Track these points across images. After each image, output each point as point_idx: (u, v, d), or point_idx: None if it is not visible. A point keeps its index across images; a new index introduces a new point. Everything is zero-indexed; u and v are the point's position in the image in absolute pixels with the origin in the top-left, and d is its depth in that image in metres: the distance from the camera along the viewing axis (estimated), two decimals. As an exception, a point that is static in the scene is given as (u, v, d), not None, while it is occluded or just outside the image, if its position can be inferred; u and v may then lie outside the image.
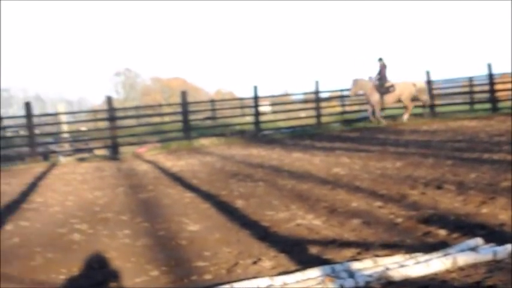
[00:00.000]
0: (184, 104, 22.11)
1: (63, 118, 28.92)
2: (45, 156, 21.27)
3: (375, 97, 21.51)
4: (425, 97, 22.22)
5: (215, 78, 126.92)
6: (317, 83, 24.00)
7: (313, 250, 5.52)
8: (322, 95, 25.94)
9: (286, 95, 39.35)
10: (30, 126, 19.27)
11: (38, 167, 16.17)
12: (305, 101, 29.05)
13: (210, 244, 6.11)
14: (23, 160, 19.28)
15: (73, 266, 5.58)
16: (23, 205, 9.48)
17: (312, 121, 24.92)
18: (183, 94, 22.35)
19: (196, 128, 23.73)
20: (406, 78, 22.35)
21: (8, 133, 28.18)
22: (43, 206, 9.33)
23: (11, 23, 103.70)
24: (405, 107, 21.97)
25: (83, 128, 30.41)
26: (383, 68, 21.66)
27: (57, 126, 28.16)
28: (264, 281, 4.47)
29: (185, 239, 6.43)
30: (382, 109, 22.67)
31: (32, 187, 11.78)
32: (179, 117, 23.08)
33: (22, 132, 26.99)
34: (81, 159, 18.66)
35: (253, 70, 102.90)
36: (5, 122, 29.08)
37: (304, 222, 6.77)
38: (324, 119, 24.70)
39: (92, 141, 23.38)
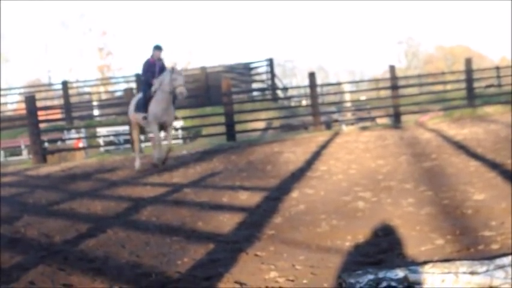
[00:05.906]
0: (469, 71, 21.45)
1: (346, 87, 29.60)
2: (328, 125, 21.92)
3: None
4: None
5: (500, 45, 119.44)
6: None
7: None
8: None
9: None
10: (313, 95, 19.87)
11: (321, 136, 16.58)
12: None
13: (496, 213, 5.88)
14: (307, 129, 20.04)
15: (358, 233, 5.62)
16: (308, 173, 9.82)
17: None
18: (467, 61, 21.59)
19: (480, 96, 22.76)
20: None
21: (292, 103, 29.61)
22: (327, 174, 9.57)
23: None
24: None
25: (362, 97, 30.76)
26: None
27: (340, 95, 28.89)
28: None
29: (470, 208, 6.23)
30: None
31: (316, 155, 12.15)
32: (462, 85, 22.61)
33: (305, 102, 28.17)
34: (364, 128, 18.84)
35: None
36: (290, 92, 30.68)
37: None
38: None
39: (373, 110, 23.53)
